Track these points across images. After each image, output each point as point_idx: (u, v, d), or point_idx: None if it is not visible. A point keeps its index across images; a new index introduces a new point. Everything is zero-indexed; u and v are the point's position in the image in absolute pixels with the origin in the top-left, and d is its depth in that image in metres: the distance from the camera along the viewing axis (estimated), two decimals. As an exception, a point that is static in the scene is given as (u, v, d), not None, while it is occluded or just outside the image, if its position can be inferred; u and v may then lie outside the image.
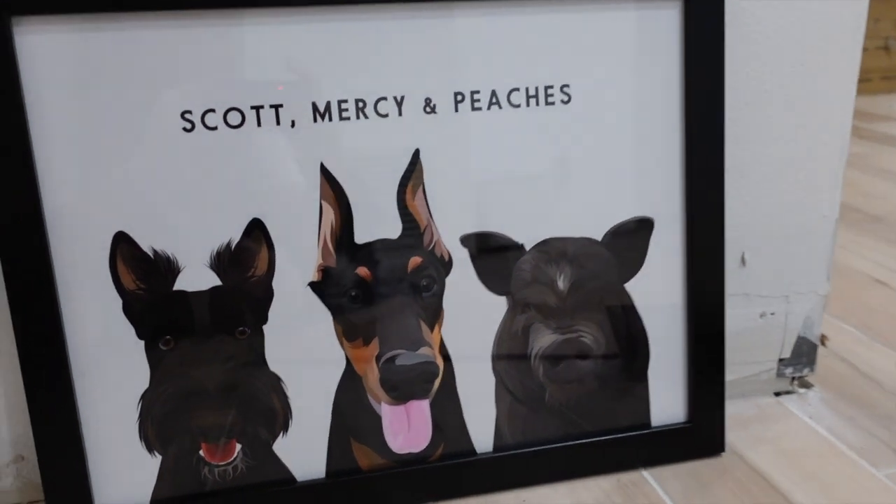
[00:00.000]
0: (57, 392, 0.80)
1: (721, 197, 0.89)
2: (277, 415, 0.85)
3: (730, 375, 1.03)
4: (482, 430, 0.90)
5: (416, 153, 0.83)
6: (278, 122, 0.80)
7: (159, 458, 0.84)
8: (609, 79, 0.86)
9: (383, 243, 0.84)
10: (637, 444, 0.92)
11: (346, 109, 0.81)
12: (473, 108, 0.83)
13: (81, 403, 0.81)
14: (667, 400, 0.93)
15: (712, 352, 0.93)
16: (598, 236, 0.88)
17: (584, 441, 0.91)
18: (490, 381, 0.89)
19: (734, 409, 1.03)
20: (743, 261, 1.00)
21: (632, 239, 0.89)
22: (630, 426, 0.93)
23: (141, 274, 0.80)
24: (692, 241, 0.90)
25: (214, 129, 0.79)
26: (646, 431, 0.93)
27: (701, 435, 0.94)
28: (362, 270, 0.84)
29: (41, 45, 0.75)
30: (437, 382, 0.86)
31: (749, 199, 0.98)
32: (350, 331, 0.84)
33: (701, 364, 0.93)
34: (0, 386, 0.87)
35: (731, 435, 0.97)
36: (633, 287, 0.90)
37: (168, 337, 0.81)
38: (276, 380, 0.84)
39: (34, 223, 0.77)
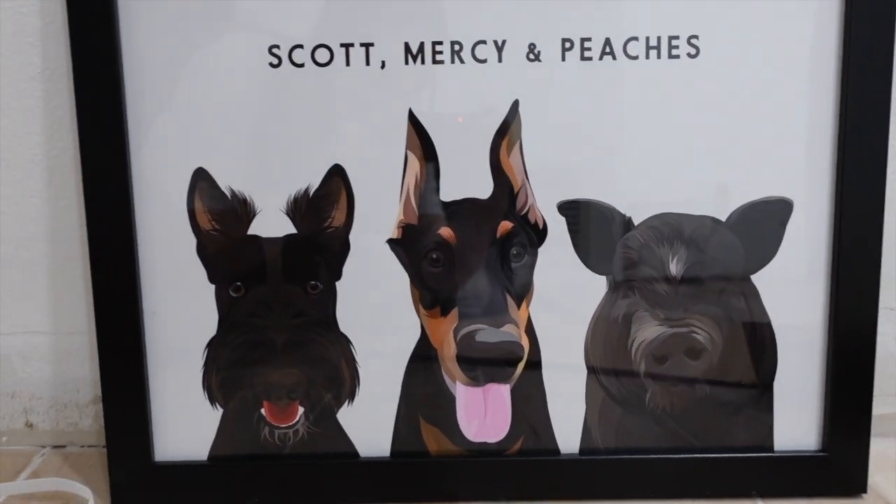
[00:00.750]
0: (127, 331, 0.78)
1: (882, 185, 0.75)
2: (344, 381, 0.79)
3: (884, 407, 0.86)
4: (569, 428, 0.80)
5: (515, 105, 0.75)
6: (368, 63, 0.75)
7: (220, 411, 0.80)
8: (746, 31, 0.74)
9: (472, 203, 0.76)
10: (755, 469, 0.79)
11: (441, 52, 0.74)
12: (583, 58, 0.74)
13: (149, 345, 0.79)
14: (796, 422, 0.79)
15: (858, 372, 0.77)
16: (723, 216, 0.76)
17: (689, 456, 0.79)
18: (581, 372, 0.78)
19: (885, 448, 0.86)
20: (909, 268, 0.84)
21: (764, 223, 0.76)
22: (747, 447, 0.79)
23: (217, 214, 0.77)
24: (840, 232, 0.75)
25: (301, 66, 0.75)
26: (767, 455, 0.79)
27: (837, 469, 0.78)
28: (446, 231, 0.76)
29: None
30: (520, 366, 0.77)
31: (921, 193, 0.82)
32: (428, 297, 0.77)
33: (842, 385, 0.78)
34: (86, 322, 0.87)
35: (879, 476, 0.81)
36: (762, 281, 0.77)
37: (238, 283, 0.78)
38: (346, 342, 0.78)
39: (119, 155, 0.76)
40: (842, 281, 0.76)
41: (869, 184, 0.74)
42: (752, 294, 0.77)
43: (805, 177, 0.76)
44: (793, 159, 0.76)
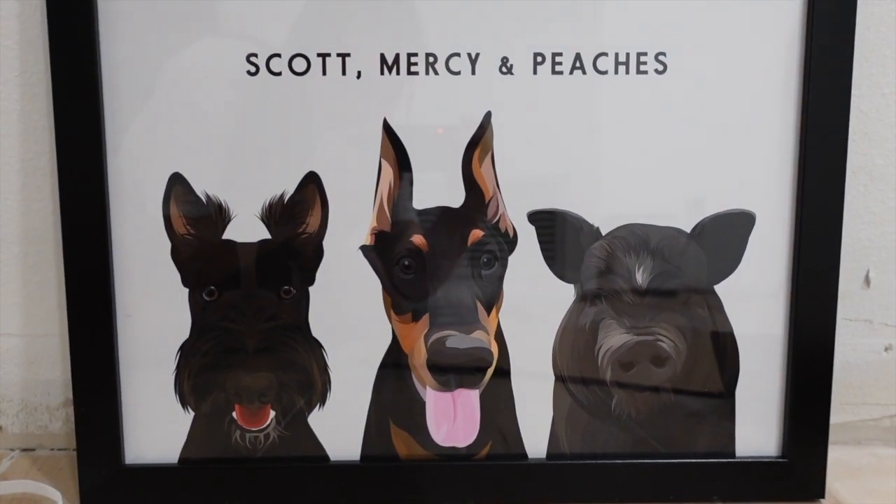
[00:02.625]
0: (100, 333, 0.78)
1: (840, 200, 0.77)
2: (316, 384, 0.80)
3: (842, 416, 0.89)
4: (536, 433, 0.81)
5: (488, 116, 0.76)
6: (344, 73, 0.76)
7: (192, 414, 0.80)
8: (712, 49, 0.76)
9: (444, 211, 0.77)
10: (717, 474, 0.80)
11: (416, 63, 0.76)
12: (554, 72, 0.76)
13: (122, 347, 0.79)
14: (757, 429, 0.81)
15: (816, 380, 0.79)
16: (688, 228, 0.78)
17: (653, 461, 0.80)
18: (549, 378, 0.80)
19: (844, 455, 0.88)
20: (867, 281, 0.86)
21: (727, 235, 0.78)
22: (710, 452, 0.81)
23: (192, 218, 0.78)
24: (801, 245, 0.78)
25: (279, 74, 0.76)
26: (729, 461, 0.81)
27: (796, 474, 0.80)
28: (418, 239, 0.77)
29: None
30: (489, 372, 0.78)
31: (878, 209, 0.84)
32: (399, 303, 0.78)
33: (801, 393, 0.79)
34: (58, 325, 0.87)
35: (837, 483, 0.83)
36: (725, 291, 0.79)
37: (212, 287, 0.78)
38: (317, 347, 0.79)
39: (95, 158, 0.76)
40: (802, 292, 0.78)
41: (828, 198, 0.77)
42: (716, 304, 0.79)
43: (767, 190, 0.78)
44: (756, 173, 0.77)
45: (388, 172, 0.77)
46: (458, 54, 0.76)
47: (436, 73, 0.76)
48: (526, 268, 0.78)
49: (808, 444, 0.80)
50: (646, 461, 0.80)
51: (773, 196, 0.78)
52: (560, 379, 0.79)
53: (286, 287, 0.78)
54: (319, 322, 0.79)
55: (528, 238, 0.78)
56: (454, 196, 0.77)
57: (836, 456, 0.82)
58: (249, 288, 0.78)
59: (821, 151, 0.76)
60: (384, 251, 0.78)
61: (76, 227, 0.77)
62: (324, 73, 0.76)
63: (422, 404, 0.79)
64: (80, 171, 0.76)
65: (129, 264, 0.78)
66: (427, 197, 0.77)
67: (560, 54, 0.76)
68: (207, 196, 0.77)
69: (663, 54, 0.76)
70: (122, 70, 0.76)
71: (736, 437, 0.81)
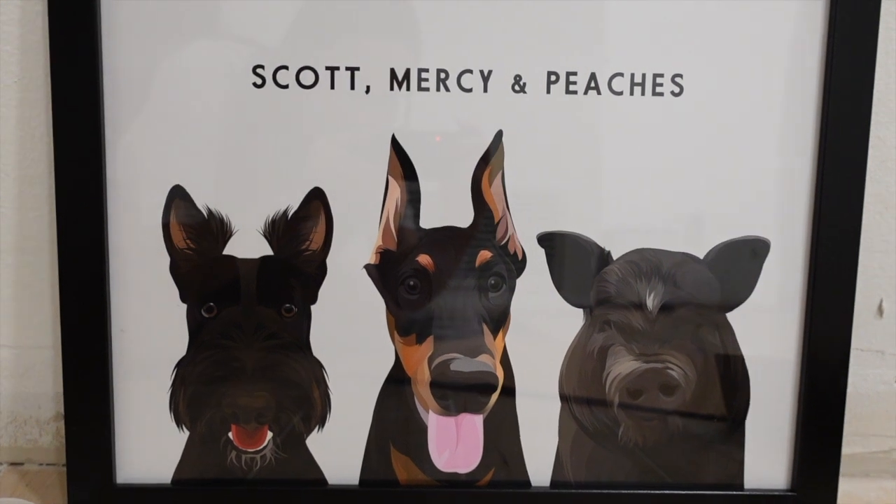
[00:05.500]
0: (93, 346, 0.76)
1: (857, 228, 0.76)
2: (315, 406, 0.78)
3: (851, 447, 0.87)
4: (540, 461, 0.79)
5: (499, 135, 0.75)
6: (353, 87, 0.74)
7: (186, 434, 0.78)
8: (730, 73, 0.75)
9: (451, 231, 0.76)
10: (725, 507, 0.78)
11: (427, 79, 0.74)
12: (568, 91, 0.74)
13: (116, 362, 0.77)
14: (766, 461, 0.79)
15: (828, 413, 0.78)
16: (701, 254, 0.76)
17: (660, 492, 0.78)
18: (555, 404, 0.78)
19: (853, 488, 0.86)
20: (880, 310, 0.85)
21: (740, 262, 0.77)
22: (718, 484, 0.79)
23: (192, 232, 0.76)
24: (815, 275, 0.76)
25: (286, 87, 0.74)
26: (737, 493, 0.79)
27: (805, 509, 0.79)
28: (424, 258, 0.76)
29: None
30: (494, 397, 0.76)
31: (893, 237, 0.83)
32: (403, 325, 0.76)
33: (812, 425, 0.78)
34: (51, 337, 0.85)
35: (846, 517, 0.81)
36: (737, 320, 0.77)
37: (211, 304, 0.76)
38: (318, 367, 0.77)
39: (94, 168, 0.74)
40: (815, 321, 0.77)
41: (845, 226, 0.75)
42: (727, 331, 0.77)
43: (782, 220, 0.76)
44: (771, 201, 0.76)
45: (396, 189, 0.75)
46: (470, 71, 0.74)
47: (447, 89, 0.74)
48: (534, 290, 0.76)
49: (819, 478, 0.78)
50: (652, 492, 0.78)
51: (789, 222, 0.76)
52: (566, 405, 0.78)
53: (287, 305, 0.76)
54: (321, 342, 0.77)
55: (537, 260, 0.76)
56: (462, 216, 0.75)
57: (845, 489, 0.81)
58: (249, 305, 0.76)
59: (839, 177, 0.75)
60: (389, 270, 0.76)
61: (73, 237, 0.75)
62: (332, 86, 0.74)
63: (424, 428, 0.77)
64: (79, 181, 0.74)
65: (126, 277, 0.76)
66: (435, 216, 0.75)
67: (574, 73, 0.74)
68: (208, 210, 0.75)
69: (680, 76, 0.74)
70: (124, 78, 0.74)
71: (745, 468, 0.79)
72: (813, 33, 0.74)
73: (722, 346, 0.77)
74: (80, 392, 0.77)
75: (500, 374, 0.76)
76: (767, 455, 0.79)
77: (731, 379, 0.78)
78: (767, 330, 0.78)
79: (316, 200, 0.75)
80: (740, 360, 0.78)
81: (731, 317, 0.77)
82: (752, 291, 0.77)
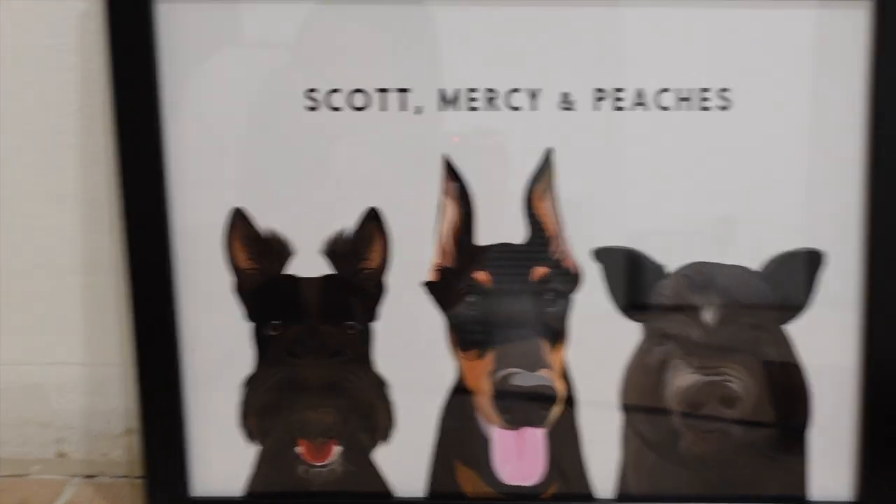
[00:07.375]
0: (166, 366, 0.79)
1: (915, 235, 0.75)
2: (380, 421, 0.79)
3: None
4: (604, 473, 0.79)
5: (549, 152, 0.75)
6: (403, 108, 0.75)
7: (257, 447, 0.80)
8: (777, 86, 0.74)
9: (506, 248, 0.77)
10: (789, 518, 0.78)
11: (476, 99, 0.75)
12: (615, 108, 0.75)
13: (188, 381, 0.80)
14: (830, 471, 0.79)
15: (892, 420, 0.77)
16: (756, 266, 0.76)
17: (722, 504, 0.78)
18: (616, 417, 0.78)
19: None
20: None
21: (796, 273, 0.76)
22: (780, 496, 0.79)
23: (254, 253, 0.78)
24: (872, 283, 0.75)
25: (338, 109, 0.75)
26: (801, 504, 0.79)
27: (871, 519, 0.78)
28: (481, 275, 0.77)
29: (180, 16, 0.75)
30: (555, 410, 0.77)
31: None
32: (465, 340, 0.78)
33: (876, 434, 0.77)
34: (119, 354, 0.88)
35: (913, 527, 0.80)
36: (795, 331, 0.77)
37: (276, 322, 0.78)
38: (381, 383, 0.79)
39: (158, 193, 0.76)
40: (875, 329, 0.76)
41: (900, 234, 0.75)
42: (785, 342, 0.77)
43: (836, 230, 0.76)
44: (823, 212, 0.76)
45: (450, 208, 0.76)
46: (518, 90, 0.75)
47: (496, 108, 0.75)
48: (591, 305, 0.77)
49: (884, 487, 0.77)
50: None
51: (844, 232, 0.76)
52: (627, 417, 0.78)
53: (350, 322, 0.78)
54: (384, 358, 0.79)
55: (592, 275, 0.77)
56: (517, 232, 0.76)
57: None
58: (313, 323, 0.78)
59: (891, 183, 0.74)
60: (447, 287, 0.77)
61: (140, 261, 0.78)
62: (383, 108, 0.75)
63: (487, 441, 0.78)
64: (143, 206, 0.77)
65: (195, 299, 0.79)
66: (489, 232, 0.76)
67: (622, 90, 0.74)
68: (269, 231, 0.77)
69: (727, 90, 0.74)
70: (185, 105, 0.76)
71: (808, 479, 0.78)
72: (858, 42, 0.73)
73: (781, 357, 0.77)
74: (155, 407, 0.79)
75: (559, 387, 0.77)
76: (831, 465, 0.78)
77: (791, 389, 0.77)
78: (827, 340, 0.77)
79: (372, 220, 0.77)
80: (800, 370, 0.77)
81: (790, 327, 0.77)
82: (809, 301, 0.76)
